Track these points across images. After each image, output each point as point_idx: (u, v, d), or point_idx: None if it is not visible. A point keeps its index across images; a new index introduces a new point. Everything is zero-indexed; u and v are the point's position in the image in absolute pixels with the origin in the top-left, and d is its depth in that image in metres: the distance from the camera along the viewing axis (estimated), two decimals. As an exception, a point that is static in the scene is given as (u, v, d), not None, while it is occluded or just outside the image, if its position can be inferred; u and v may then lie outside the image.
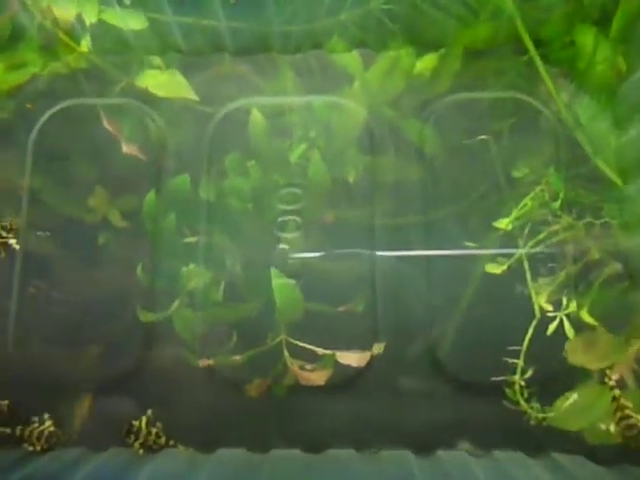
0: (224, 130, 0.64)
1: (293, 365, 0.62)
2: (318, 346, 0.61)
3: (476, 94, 0.65)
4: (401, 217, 0.62)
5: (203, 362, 0.61)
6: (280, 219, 0.61)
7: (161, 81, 0.65)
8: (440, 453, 0.54)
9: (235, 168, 0.65)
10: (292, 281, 0.59)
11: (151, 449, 0.55)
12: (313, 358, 0.61)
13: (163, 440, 0.55)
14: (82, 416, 0.57)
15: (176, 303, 0.63)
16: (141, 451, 0.55)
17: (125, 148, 0.65)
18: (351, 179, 0.64)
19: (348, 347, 0.61)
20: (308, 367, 0.62)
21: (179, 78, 0.65)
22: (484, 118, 0.64)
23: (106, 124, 0.67)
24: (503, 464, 0.51)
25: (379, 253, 0.61)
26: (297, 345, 0.61)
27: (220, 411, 0.60)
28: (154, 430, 0.56)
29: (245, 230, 0.62)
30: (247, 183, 0.64)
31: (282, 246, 0.61)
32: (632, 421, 0.51)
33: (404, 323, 0.60)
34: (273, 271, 0.59)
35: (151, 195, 0.63)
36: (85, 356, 0.59)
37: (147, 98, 0.65)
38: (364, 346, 0.61)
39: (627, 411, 0.52)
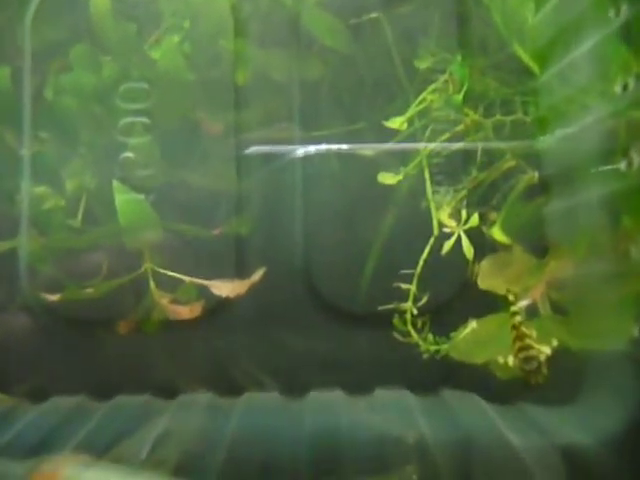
0: (51, 9, 0.51)
1: (160, 297, 0.53)
2: (186, 274, 0.52)
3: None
4: (274, 119, 0.51)
5: (51, 297, 0.52)
6: (123, 121, 0.50)
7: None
8: (312, 394, 0.46)
9: (80, 61, 0.52)
10: (140, 196, 0.49)
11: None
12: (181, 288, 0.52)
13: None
14: None
15: (23, 228, 0.53)
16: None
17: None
18: (225, 78, 0.52)
19: (220, 275, 0.52)
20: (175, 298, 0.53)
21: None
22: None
23: None
24: (381, 402, 0.43)
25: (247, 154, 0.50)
26: (164, 274, 0.52)
27: (62, 356, 0.50)
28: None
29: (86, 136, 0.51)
30: (91, 79, 0.52)
31: (127, 154, 0.49)
32: (532, 352, 0.43)
33: (280, 246, 0.50)
34: (116, 185, 0.48)
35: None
36: None
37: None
38: (238, 274, 0.52)
39: (528, 341, 0.43)
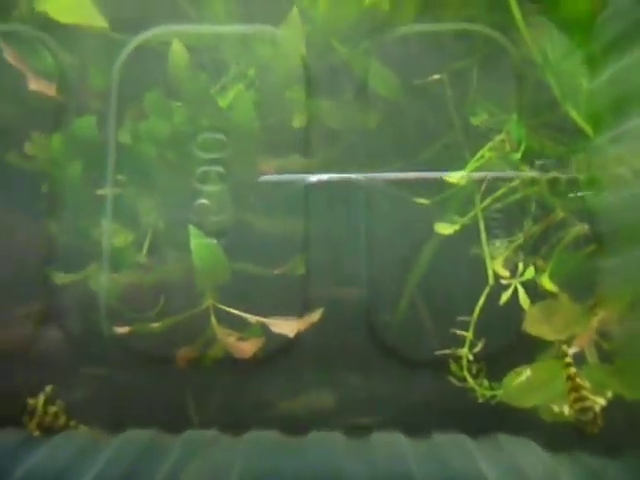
0: (139, 63, 0.55)
1: (221, 334, 0.55)
2: (248, 313, 0.55)
3: (432, 26, 0.56)
4: (341, 170, 0.54)
5: (118, 330, 0.54)
6: (200, 169, 0.53)
7: (62, 4, 0.55)
8: (374, 435, 0.48)
9: (156, 109, 0.56)
10: (213, 241, 0.52)
11: (49, 430, 0.48)
12: (243, 326, 0.55)
13: (63, 420, 0.49)
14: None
15: (92, 264, 0.56)
16: (37, 432, 0.48)
17: (32, 84, 0.56)
18: (287, 125, 0.56)
19: (281, 314, 0.54)
20: (237, 336, 0.56)
21: (84, 0, 0.54)
22: (440, 55, 0.55)
23: (7, 56, 0.57)
24: (440, 447, 0.45)
25: (314, 211, 0.53)
26: (226, 311, 0.55)
27: (133, 387, 0.53)
28: (52, 409, 0.49)
29: (163, 181, 0.54)
30: (166, 127, 0.55)
31: (202, 201, 0.53)
32: (588, 404, 0.45)
33: (341, 289, 0.53)
34: (191, 229, 0.52)
35: (57, 138, 0.55)
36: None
37: (47, 24, 0.55)
38: (298, 313, 0.54)
39: (583, 392, 0.46)
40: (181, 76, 0.56)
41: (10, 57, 0.57)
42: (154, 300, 0.56)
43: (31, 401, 0.49)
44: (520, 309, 0.51)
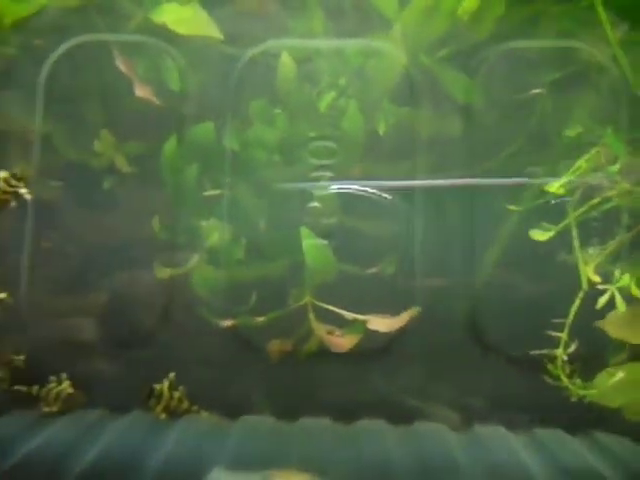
0: (250, 74, 0.58)
1: (318, 329, 0.59)
2: (346, 310, 0.58)
3: (528, 42, 0.59)
4: (439, 176, 0.57)
5: (225, 323, 0.58)
6: (314, 174, 0.56)
7: (181, 16, 0.58)
8: (477, 428, 0.51)
9: (260, 116, 0.59)
10: (324, 242, 0.55)
11: (174, 414, 0.53)
12: (340, 322, 0.58)
13: (186, 405, 0.53)
14: (101, 377, 0.54)
15: (195, 259, 0.60)
16: (163, 416, 0.52)
17: (138, 90, 0.59)
18: (383, 132, 0.59)
19: (378, 311, 0.58)
20: (335, 332, 0.59)
21: (201, 13, 0.58)
22: (536, 69, 0.58)
23: (119, 63, 0.61)
24: (544, 441, 0.48)
25: (416, 214, 0.57)
26: (323, 308, 0.58)
27: (242, 375, 0.57)
28: (177, 394, 0.53)
29: (272, 184, 0.58)
30: (273, 133, 0.59)
31: (314, 204, 0.56)
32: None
33: (441, 288, 0.56)
34: (304, 231, 0.55)
35: (171, 143, 0.58)
36: (97, 310, 0.57)
37: (165, 35, 0.59)
38: (396, 311, 0.57)
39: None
40: (288, 85, 0.59)
41: (121, 65, 0.61)
42: (259, 295, 0.59)
43: (157, 386, 0.53)
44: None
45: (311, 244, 0.55)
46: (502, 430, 0.51)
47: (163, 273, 0.59)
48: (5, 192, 0.55)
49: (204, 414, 0.53)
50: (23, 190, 0.55)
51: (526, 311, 0.56)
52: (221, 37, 0.58)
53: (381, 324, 0.58)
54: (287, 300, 0.59)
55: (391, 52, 0.60)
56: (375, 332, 0.57)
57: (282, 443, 0.49)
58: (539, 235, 0.56)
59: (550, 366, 0.53)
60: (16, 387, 0.53)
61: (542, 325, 0.54)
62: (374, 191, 0.57)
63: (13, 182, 0.55)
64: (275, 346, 0.59)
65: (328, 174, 0.56)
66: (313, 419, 0.53)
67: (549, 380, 0.53)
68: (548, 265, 0.56)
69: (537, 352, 0.53)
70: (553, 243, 0.56)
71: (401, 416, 0.53)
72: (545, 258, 0.56)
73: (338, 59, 0.60)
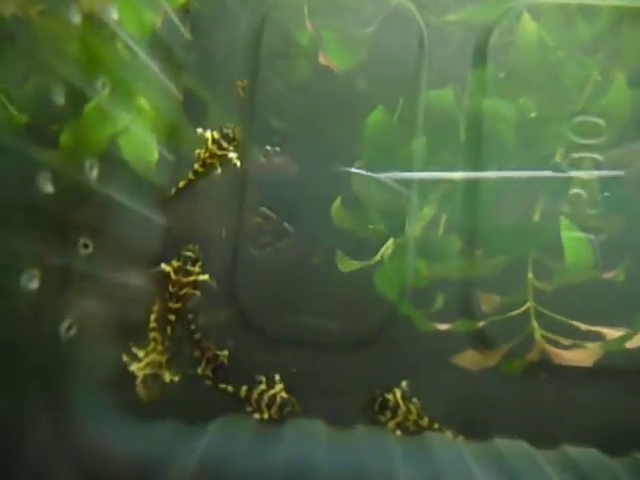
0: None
1: (542, 339, 0.50)
2: (578, 320, 0.49)
3: None
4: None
5: (441, 326, 0.50)
6: (574, 155, 0.48)
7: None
8: None
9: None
10: (589, 237, 0.46)
11: (408, 431, 0.44)
12: (572, 334, 0.50)
13: (425, 421, 0.44)
14: (316, 384, 0.45)
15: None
16: (398, 432, 0.44)
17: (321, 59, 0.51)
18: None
19: (608, 323, 0.49)
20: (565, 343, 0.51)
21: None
22: None
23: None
24: None
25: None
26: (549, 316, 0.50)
27: (476, 387, 0.48)
28: (413, 407, 0.44)
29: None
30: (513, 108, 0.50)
31: (575, 190, 0.47)
32: None
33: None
34: (563, 221, 0.46)
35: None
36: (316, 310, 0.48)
37: None
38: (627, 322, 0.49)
39: None
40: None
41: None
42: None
43: (388, 396, 0.44)
44: None
45: (571, 237, 0.46)
46: None
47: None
48: (213, 155, 0.46)
49: (448, 434, 0.44)
50: (233, 154, 0.47)
51: None
52: None
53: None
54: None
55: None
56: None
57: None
58: None
59: None
60: (221, 386, 0.45)
61: None
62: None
63: (224, 144, 0.47)
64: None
65: (594, 156, 0.47)
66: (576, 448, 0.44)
67: None
68: None
69: None
70: None
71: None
72: None
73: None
